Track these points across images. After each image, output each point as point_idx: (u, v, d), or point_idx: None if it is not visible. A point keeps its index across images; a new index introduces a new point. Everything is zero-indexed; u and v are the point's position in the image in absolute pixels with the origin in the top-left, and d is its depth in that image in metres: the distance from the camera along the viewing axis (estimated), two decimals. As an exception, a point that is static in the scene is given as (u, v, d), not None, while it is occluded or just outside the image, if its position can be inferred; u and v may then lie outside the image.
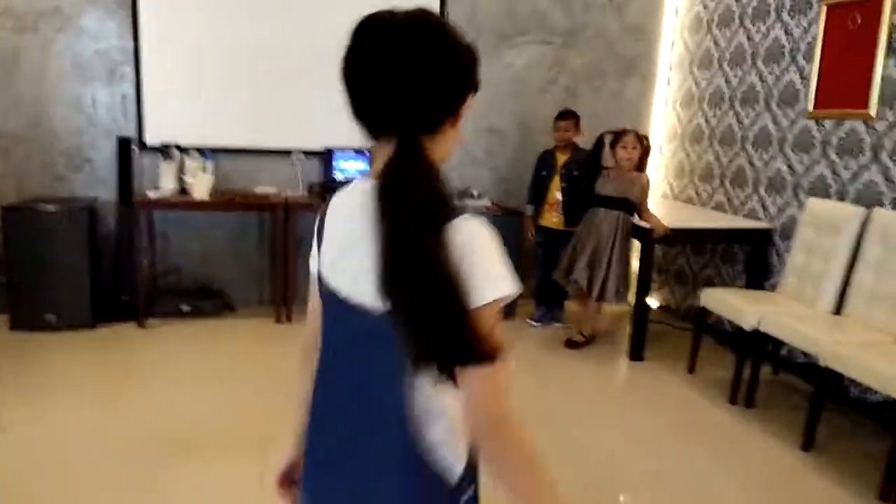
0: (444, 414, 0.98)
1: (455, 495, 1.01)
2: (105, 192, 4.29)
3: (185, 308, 4.24)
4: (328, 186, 4.26)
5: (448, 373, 0.87)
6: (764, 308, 3.30)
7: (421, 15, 0.95)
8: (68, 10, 4.12)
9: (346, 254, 0.99)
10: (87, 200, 4.13)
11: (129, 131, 4.26)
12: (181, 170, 4.21)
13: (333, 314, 1.04)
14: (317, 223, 1.07)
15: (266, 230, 4.56)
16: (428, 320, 0.85)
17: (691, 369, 3.73)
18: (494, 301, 0.89)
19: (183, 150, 4.23)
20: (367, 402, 1.00)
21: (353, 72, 0.95)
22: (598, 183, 3.94)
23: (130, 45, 4.22)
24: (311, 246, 1.11)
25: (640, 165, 3.96)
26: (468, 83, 0.98)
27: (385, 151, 0.94)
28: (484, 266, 0.89)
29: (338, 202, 1.05)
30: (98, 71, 4.22)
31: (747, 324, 3.29)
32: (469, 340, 0.85)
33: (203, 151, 4.24)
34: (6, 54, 4.08)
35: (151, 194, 4.10)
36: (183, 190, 4.20)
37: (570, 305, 4.45)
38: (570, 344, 4.09)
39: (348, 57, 0.95)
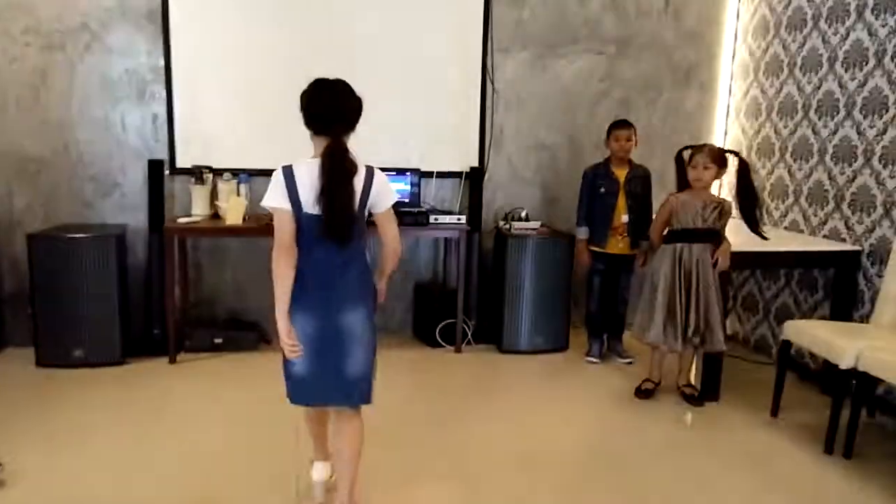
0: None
1: (374, 288, 2.23)
2: (135, 218, 4.07)
3: (219, 341, 3.99)
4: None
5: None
6: (862, 343, 2.92)
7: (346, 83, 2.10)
8: (95, 26, 3.93)
9: (312, 194, 2.00)
10: (116, 227, 3.91)
11: (160, 154, 4.04)
12: (214, 194, 3.98)
13: (311, 224, 2.02)
14: (287, 183, 2.00)
15: (302, 256, 4.30)
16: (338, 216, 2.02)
17: (774, 412, 3.34)
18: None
19: (216, 172, 4.00)
20: (345, 255, 2.08)
21: (328, 105, 2.04)
22: (677, 214, 3.35)
23: (161, 62, 4.01)
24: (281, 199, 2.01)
25: (740, 188, 3.32)
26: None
27: (324, 143, 2.02)
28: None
29: (301, 171, 2.01)
30: (127, 91, 4.02)
31: (844, 362, 2.91)
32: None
33: (237, 174, 4.01)
34: (33, 74, 3.91)
35: (183, 220, 3.87)
36: (215, 215, 3.97)
37: (653, 353, 3.60)
38: (644, 393, 3.55)
39: (323, 95, 2.05)
